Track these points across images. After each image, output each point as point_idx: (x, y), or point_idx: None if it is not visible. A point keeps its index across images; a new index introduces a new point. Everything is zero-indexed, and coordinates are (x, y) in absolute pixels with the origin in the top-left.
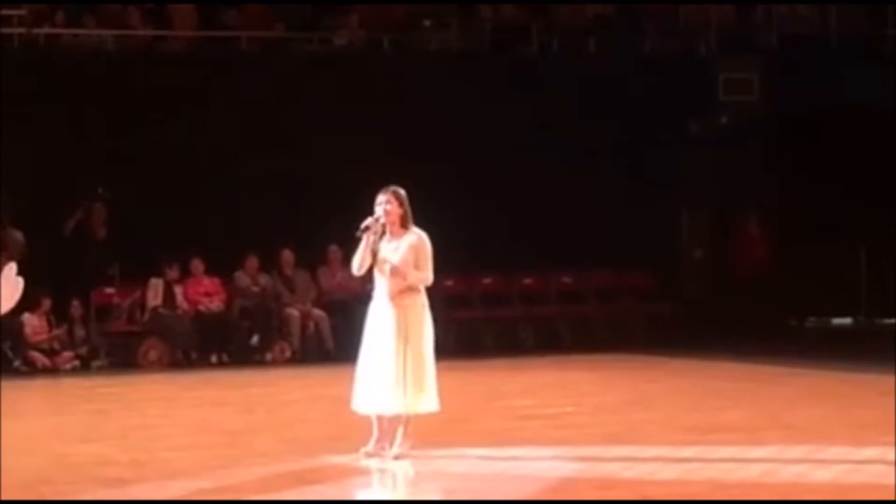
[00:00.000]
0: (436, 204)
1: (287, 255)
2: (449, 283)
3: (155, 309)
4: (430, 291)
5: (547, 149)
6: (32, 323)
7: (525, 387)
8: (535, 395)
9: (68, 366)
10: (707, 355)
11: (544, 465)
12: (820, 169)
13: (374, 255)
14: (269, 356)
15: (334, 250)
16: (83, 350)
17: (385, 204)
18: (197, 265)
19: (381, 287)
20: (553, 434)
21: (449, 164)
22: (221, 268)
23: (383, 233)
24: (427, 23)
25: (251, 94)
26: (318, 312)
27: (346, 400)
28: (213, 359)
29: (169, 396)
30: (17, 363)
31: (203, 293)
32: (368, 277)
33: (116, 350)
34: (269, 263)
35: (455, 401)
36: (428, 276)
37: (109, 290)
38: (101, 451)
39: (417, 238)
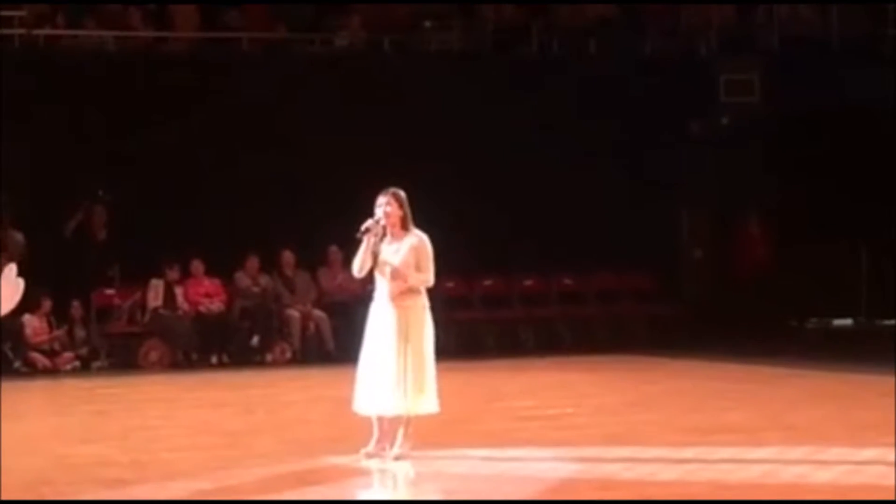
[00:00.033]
0: (436, 205)
1: (287, 256)
2: (450, 284)
3: (155, 310)
4: (431, 293)
5: (548, 149)
6: (33, 324)
7: (525, 388)
8: (535, 396)
9: (69, 367)
10: (707, 356)
11: (545, 465)
12: (821, 169)
13: (375, 257)
14: (269, 357)
15: (335, 251)
16: (83, 351)
17: (385, 206)
18: (197, 266)
19: (382, 288)
20: (553, 435)
21: (450, 165)
22: (222, 269)
23: (384, 234)
24: (428, 24)
25: (252, 94)
26: (318, 313)
27: (346, 401)
28: (214, 360)
29: (169, 397)
30: (17, 364)
31: (203, 294)
32: (369, 279)
33: (117, 351)
34: (270, 264)
35: (456, 402)
36: (429, 278)
37: (110, 291)
38: (102, 452)
39: (418, 240)
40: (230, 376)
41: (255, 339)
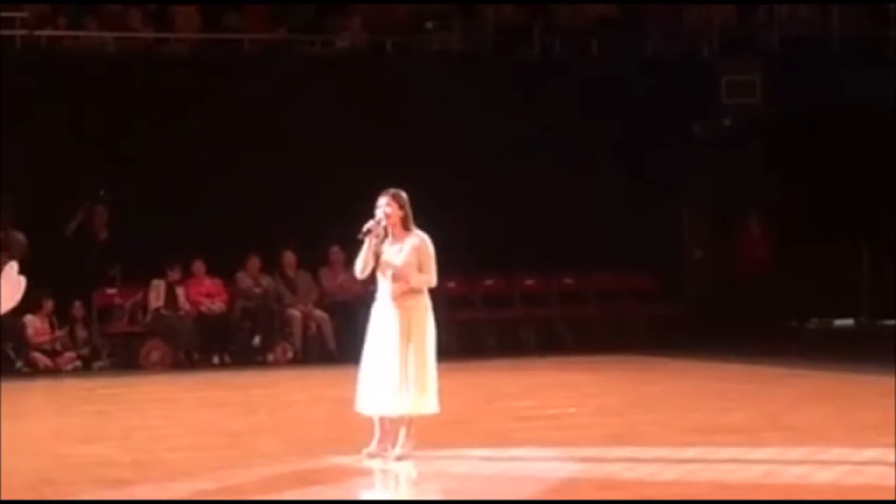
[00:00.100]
0: (437, 205)
1: (289, 257)
2: (451, 284)
3: (157, 310)
4: (432, 293)
5: (549, 150)
6: (34, 324)
7: (526, 388)
8: (536, 396)
9: (70, 367)
10: (708, 356)
11: (546, 465)
12: (821, 170)
13: (377, 257)
14: (270, 357)
15: (336, 251)
16: (85, 351)
17: (385, 207)
18: (199, 266)
19: (384, 289)
20: (554, 435)
21: (451, 165)
22: (223, 269)
23: (385, 235)
24: (429, 24)
25: (253, 95)
26: (319, 313)
27: (348, 401)
28: (215, 360)
29: (171, 397)
30: (19, 364)
31: (205, 294)
32: (370, 279)
33: (118, 351)
34: (271, 264)
35: (457, 402)
36: (431, 279)
37: (111, 291)
38: (103, 452)
39: (420, 240)
40: (231, 376)
41: (257, 340)
